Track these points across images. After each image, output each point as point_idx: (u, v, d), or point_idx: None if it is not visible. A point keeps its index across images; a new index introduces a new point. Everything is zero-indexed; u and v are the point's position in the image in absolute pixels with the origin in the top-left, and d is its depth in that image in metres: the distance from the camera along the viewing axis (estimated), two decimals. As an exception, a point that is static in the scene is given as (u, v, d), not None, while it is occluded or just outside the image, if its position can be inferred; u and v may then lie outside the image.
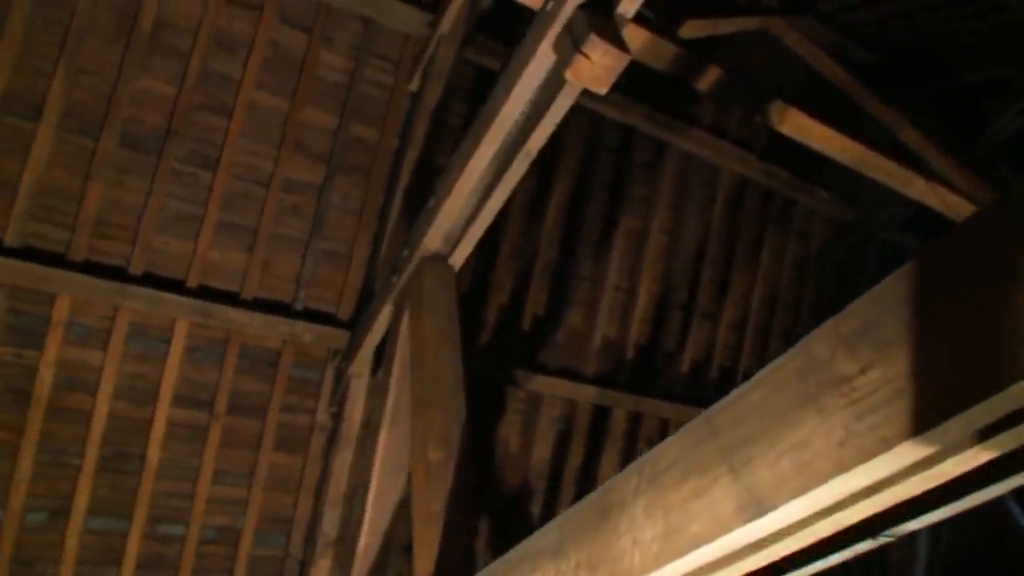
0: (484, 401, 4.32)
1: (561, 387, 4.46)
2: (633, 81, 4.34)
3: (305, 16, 3.61)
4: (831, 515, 0.99)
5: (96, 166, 3.21)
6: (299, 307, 3.73)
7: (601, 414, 4.60)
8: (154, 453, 3.39)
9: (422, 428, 2.38)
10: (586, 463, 4.55)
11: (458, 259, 2.92)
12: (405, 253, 3.02)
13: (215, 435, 3.53)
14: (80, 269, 3.17)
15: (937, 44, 4.06)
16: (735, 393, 1.00)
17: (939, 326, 0.76)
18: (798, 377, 0.91)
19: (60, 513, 3.22)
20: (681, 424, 1.13)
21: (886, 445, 0.78)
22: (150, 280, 3.35)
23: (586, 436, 4.57)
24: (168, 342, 3.41)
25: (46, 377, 3.16)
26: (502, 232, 4.27)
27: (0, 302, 3.07)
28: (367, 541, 2.80)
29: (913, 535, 5.05)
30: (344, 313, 3.83)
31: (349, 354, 3.66)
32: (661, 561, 1.05)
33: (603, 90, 2.00)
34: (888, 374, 0.80)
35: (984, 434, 0.86)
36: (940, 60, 4.18)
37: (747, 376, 1.00)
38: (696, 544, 0.99)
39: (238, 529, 3.64)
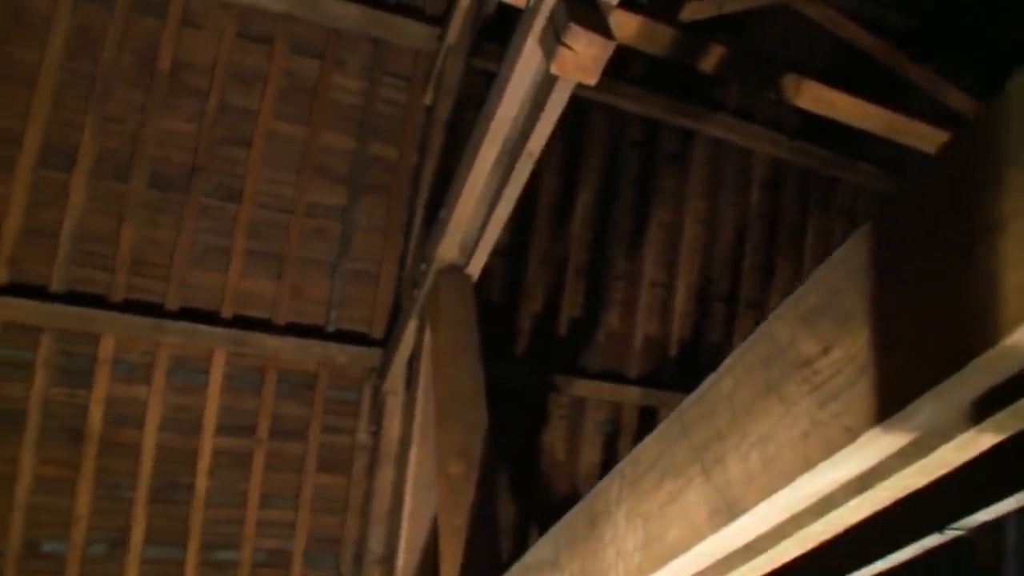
0: (526, 410, 4.26)
1: (604, 390, 4.35)
2: (652, 72, 4.25)
3: (316, 43, 3.68)
4: (823, 515, 0.89)
5: (128, 208, 3.34)
6: (332, 329, 3.78)
7: (648, 415, 4.46)
8: (202, 481, 3.49)
9: (443, 441, 2.35)
10: (636, 467, 4.41)
11: (475, 268, 2.89)
12: (423, 267, 3.01)
13: (259, 460, 3.60)
14: (120, 308, 3.31)
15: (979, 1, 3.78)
16: (706, 383, 0.92)
17: (902, 291, 0.66)
18: (762, 363, 0.82)
19: (118, 544, 3.34)
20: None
21: (851, 435, 0.68)
22: (186, 314, 3.46)
23: (634, 438, 4.43)
24: (207, 372, 3.51)
25: (96, 414, 3.30)
26: (529, 238, 4.21)
27: (50, 345, 3.23)
28: (405, 559, 2.77)
29: (996, 527, 4.68)
30: (377, 331, 3.85)
31: (383, 372, 3.68)
32: (643, 573, 0.97)
33: (592, 80, 1.93)
34: (850, 352, 0.70)
35: (980, 414, 0.75)
36: (983, 18, 3.89)
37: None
38: (673, 554, 0.91)
39: (289, 551, 3.69)
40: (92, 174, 3.29)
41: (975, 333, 0.58)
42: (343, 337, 3.77)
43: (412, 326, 3.16)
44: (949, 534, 2.61)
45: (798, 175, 4.77)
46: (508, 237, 4.18)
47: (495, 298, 4.19)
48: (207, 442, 3.50)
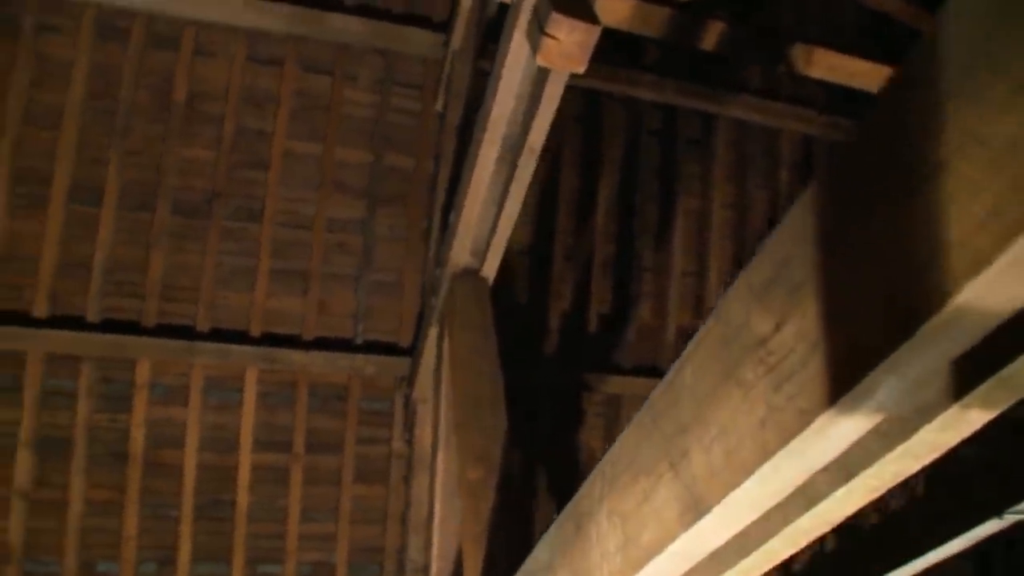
0: (561, 410, 4.20)
1: (639, 385, 4.25)
2: (665, 58, 4.14)
3: (325, 60, 3.72)
4: (810, 508, 0.82)
5: (155, 236, 3.44)
6: (360, 341, 3.80)
7: (687, 410, 4.33)
8: (243, 498, 3.55)
9: (462, 447, 2.32)
10: (678, 463, 4.28)
11: (489, 270, 2.85)
12: (438, 272, 2.99)
13: (297, 475, 3.64)
14: (153, 333, 3.40)
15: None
16: (672, 370, 0.86)
17: (848, 256, 0.59)
18: (720, 345, 0.75)
19: (167, 563, 3.44)
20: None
21: (805, 419, 0.62)
22: (217, 335, 3.54)
23: (674, 435, 4.30)
24: (241, 391, 3.57)
25: (138, 437, 3.40)
26: (552, 235, 4.16)
27: (91, 373, 3.35)
28: (438, 567, 2.75)
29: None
30: (405, 340, 3.86)
31: (412, 380, 3.68)
32: (624, 577, 0.91)
33: (580, 68, 1.88)
34: (802, 328, 0.63)
35: (962, 388, 0.66)
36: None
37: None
38: (648, 556, 0.85)
39: (332, 563, 3.72)
40: (119, 206, 3.40)
41: (921, 296, 0.51)
42: (372, 348, 3.79)
43: (433, 333, 3.15)
44: (1010, 519, 2.44)
45: (830, 151, 4.57)
46: (531, 236, 4.14)
47: (522, 298, 4.15)
48: (245, 459, 3.57)
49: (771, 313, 0.67)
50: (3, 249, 3.23)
